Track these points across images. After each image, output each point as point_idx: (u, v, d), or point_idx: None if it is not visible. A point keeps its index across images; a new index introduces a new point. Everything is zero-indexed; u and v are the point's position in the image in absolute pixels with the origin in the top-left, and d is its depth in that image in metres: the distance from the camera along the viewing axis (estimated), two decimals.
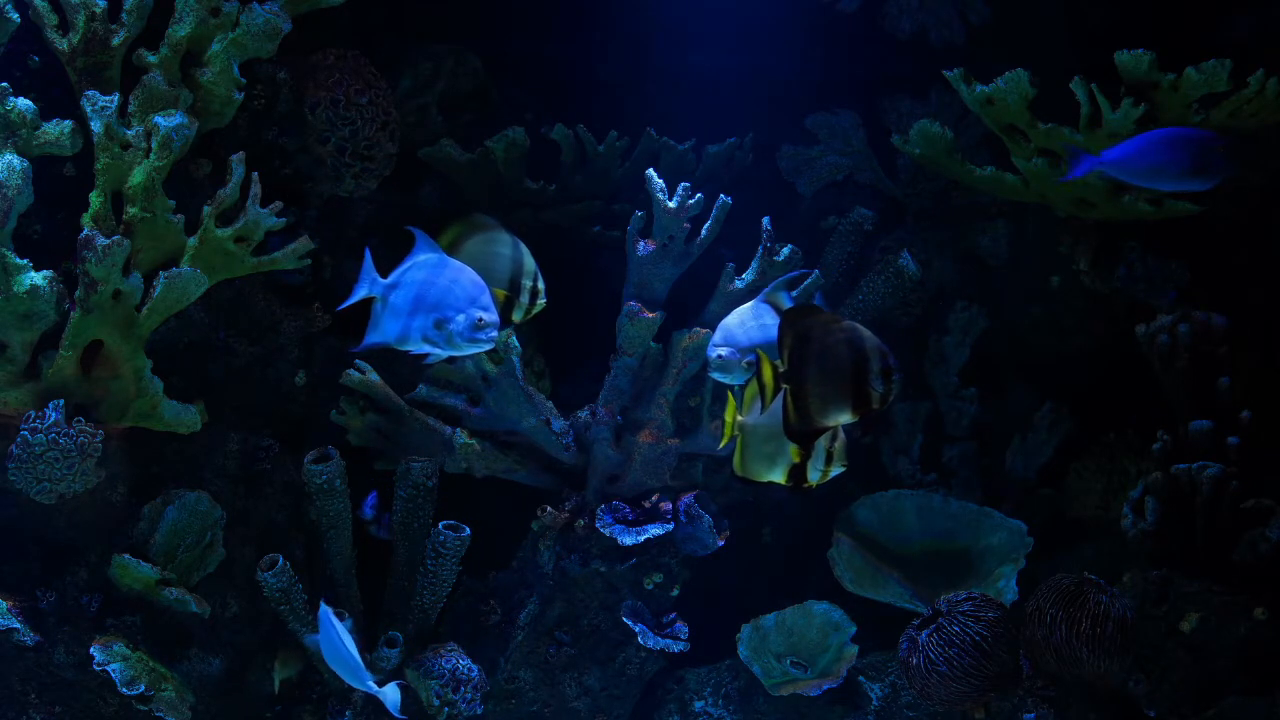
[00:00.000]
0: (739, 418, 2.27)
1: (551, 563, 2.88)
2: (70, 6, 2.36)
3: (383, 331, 2.23)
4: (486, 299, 2.21)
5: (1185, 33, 2.73)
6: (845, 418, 2.10)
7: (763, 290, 2.73)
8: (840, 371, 2.06)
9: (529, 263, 2.37)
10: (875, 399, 2.05)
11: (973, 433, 3.27)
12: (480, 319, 2.19)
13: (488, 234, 2.38)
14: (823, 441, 2.22)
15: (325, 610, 2.43)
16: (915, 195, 3.34)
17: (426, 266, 2.22)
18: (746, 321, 2.38)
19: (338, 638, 2.39)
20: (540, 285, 2.38)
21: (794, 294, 2.60)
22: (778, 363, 2.12)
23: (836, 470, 2.27)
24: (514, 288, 2.36)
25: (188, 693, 2.50)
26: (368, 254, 2.23)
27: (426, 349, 2.23)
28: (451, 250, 2.33)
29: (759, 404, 2.23)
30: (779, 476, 2.27)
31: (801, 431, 2.12)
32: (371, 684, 2.41)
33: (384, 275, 2.22)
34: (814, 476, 2.26)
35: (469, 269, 2.24)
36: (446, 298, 2.19)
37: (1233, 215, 2.85)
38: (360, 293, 2.23)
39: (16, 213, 2.29)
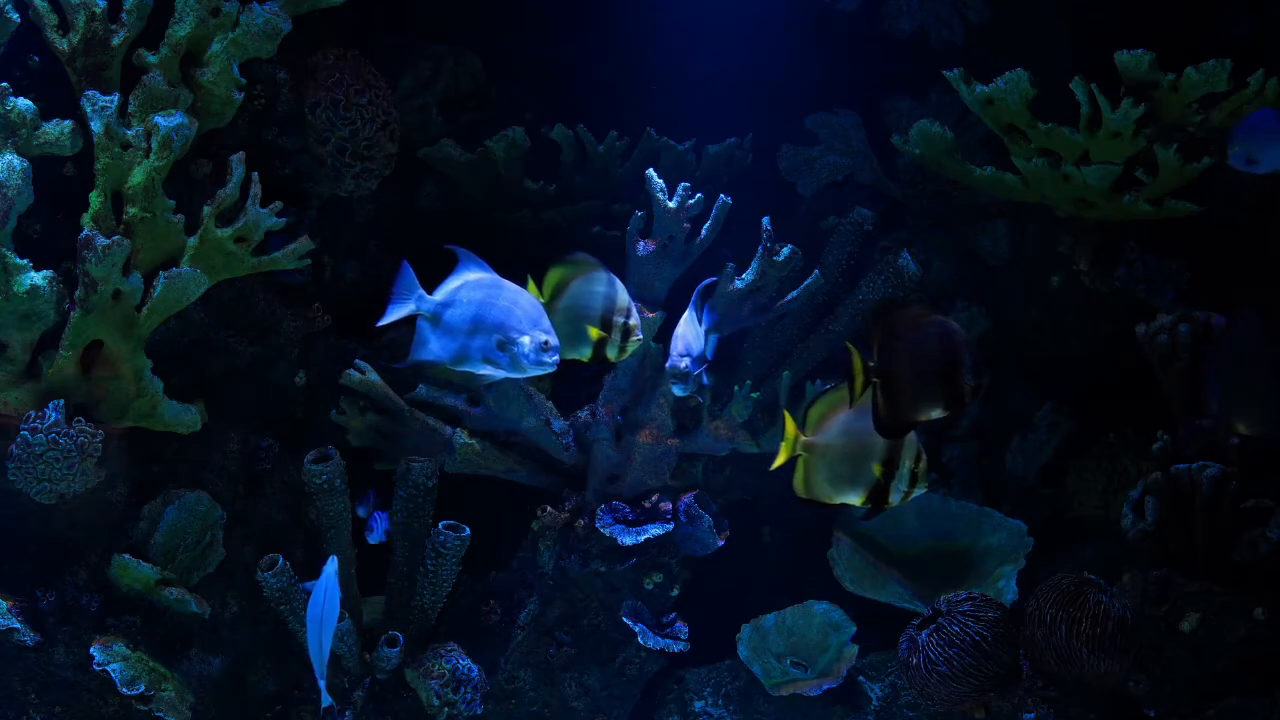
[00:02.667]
0: (804, 437, 2.22)
1: (551, 563, 2.88)
2: (70, 6, 2.36)
3: (433, 350, 2.18)
4: (547, 321, 2.17)
5: (1185, 33, 2.73)
6: (937, 412, 2.09)
7: (761, 291, 2.74)
8: (933, 365, 2.05)
9: (622, 299, 2.33)
10: (968, 393, 2.04)
11: (973, 433, 3.26)
12: (546, 341, 2.15)
13: (588, 274, 2.35)
14: (907, 460, 2.19)
15: (332, 565, 2.33)
16: (915, 195, 3.34)
17: (481, 286, 2.17)
18: (691, 331, 2.42)
19: (325, 600, 2.30)
20: (634, 321, 2.34)
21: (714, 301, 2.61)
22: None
23: (919, 491, 2.23)
24: (606, 325, 2.33)
25: (188, 693, 2.50)
26: (407, 268, 2.18)
27: (486, 370, 2.18)
28: (556, 293, 2.30)
29: (828, 421, 2.20)
30: (854, 499, 2.22)
31: (893, 426, 2.11)
32: (323, 681, 2.31)
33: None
34: (896, 498, 2.21)
35: (524, 290, 2.21)
36: (509, 319, 2.14)
37: (1232, 215, 2.85)
38: (405, 309, 2.17)
39: (16, 213, 2.29)
